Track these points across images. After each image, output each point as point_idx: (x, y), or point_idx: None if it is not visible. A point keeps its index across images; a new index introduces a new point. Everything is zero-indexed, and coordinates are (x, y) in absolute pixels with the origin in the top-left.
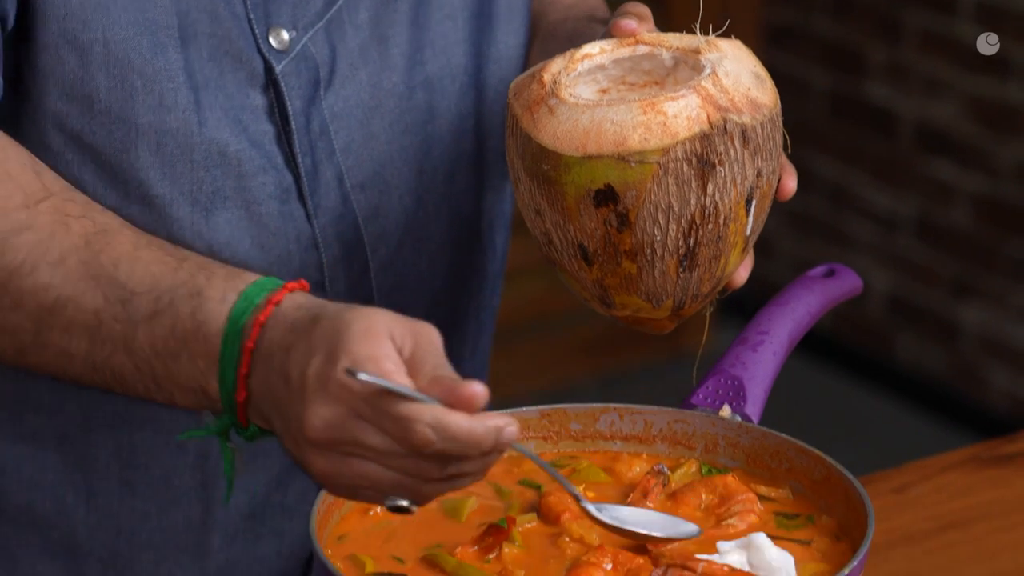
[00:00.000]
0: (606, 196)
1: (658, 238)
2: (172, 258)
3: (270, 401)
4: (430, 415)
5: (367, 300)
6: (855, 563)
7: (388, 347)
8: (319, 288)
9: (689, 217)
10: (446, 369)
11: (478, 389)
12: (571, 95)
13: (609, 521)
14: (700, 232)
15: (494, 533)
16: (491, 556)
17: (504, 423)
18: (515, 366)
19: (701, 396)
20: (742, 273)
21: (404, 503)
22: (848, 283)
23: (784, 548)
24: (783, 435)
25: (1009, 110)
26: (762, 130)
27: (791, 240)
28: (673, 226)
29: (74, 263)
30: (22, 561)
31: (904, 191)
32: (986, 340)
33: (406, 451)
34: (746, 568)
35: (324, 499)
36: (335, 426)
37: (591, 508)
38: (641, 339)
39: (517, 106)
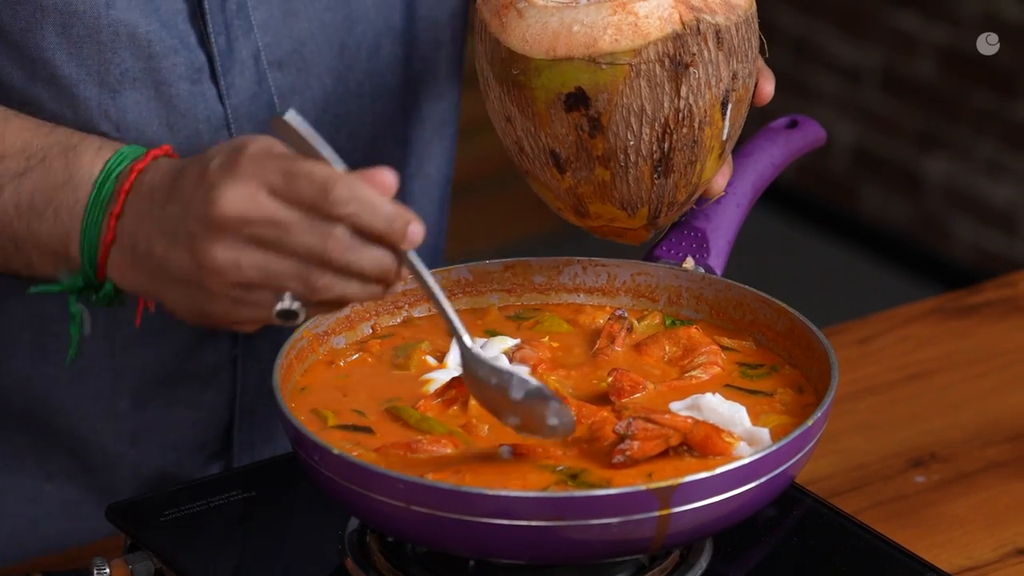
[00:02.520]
0: (577, 100)
1: (631, 143)
2: (44, 126)
3: (151, 227)
4: (348, 178)
5: None
6: (819, 414)
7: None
8: None
9: (663, 121)
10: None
11: (389, 174)
12: None
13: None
14: (674, 136)
15: (457, 386)
16: (454, 409)
17: (415, 218)
18: (478, 221)
19: (664, 248)
20: (720, 181)
21: (294, 307)
22: (811, 134)
23: (741, 402)
24: (747, 287)
25: None
26: (737, 31)
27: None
28: (646, 130)
29: None
30: None
31: (868, 42)
32: (950, 192)
33: (316, 221)
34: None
35: (287, 352)
36: (245, 200)
37: (467, 341)
38: None
39: (486, 11)
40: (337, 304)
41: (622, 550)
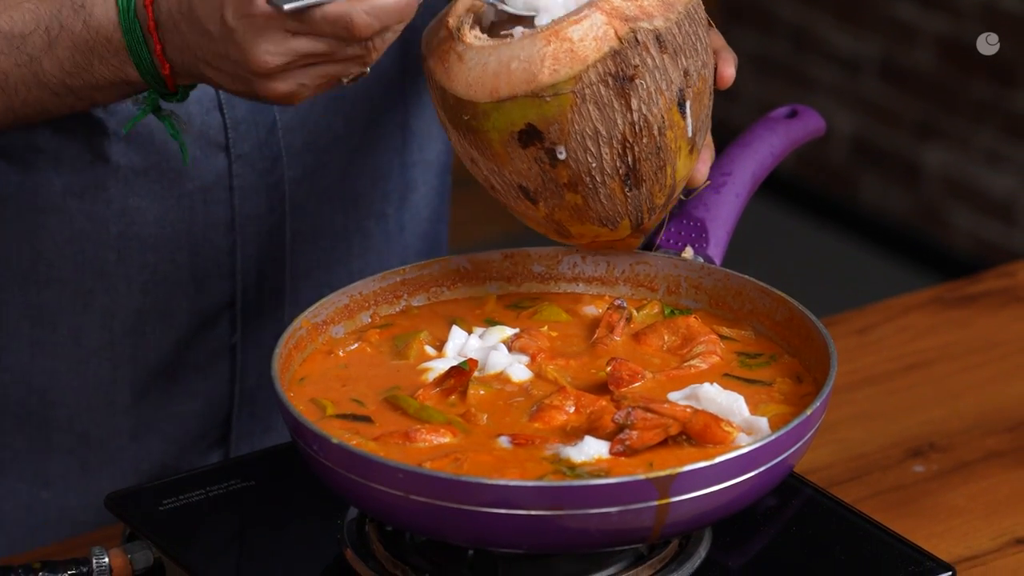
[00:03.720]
0: (530, 135)
1: (594, 165)
2: None
3: (197, 59)
4: (360, 5)
5: (275, 159)
6: (818, 404)
7: None
8: (222, 148)
9: (620, 137)
10: None
11: None
12: (476, 37)
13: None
14: (636, 148)
15: (456, 375)
16: (452, 399)
17: None
18: (478, 210)
19: (664, 238)
20: (701, 169)
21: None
22: (811, 123)
23: (739, 391)
24: (746, 276)
25: None
26: (679, 29)
27: (754, 83)
28: (606, 150)
29: None
30: None
31: (867, 32)
32: (949, 182)
33: (351, 40)
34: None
35: (286, 342)
36: (281, 51)
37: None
38: None
39: (430, 60)
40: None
41: (621, 539)
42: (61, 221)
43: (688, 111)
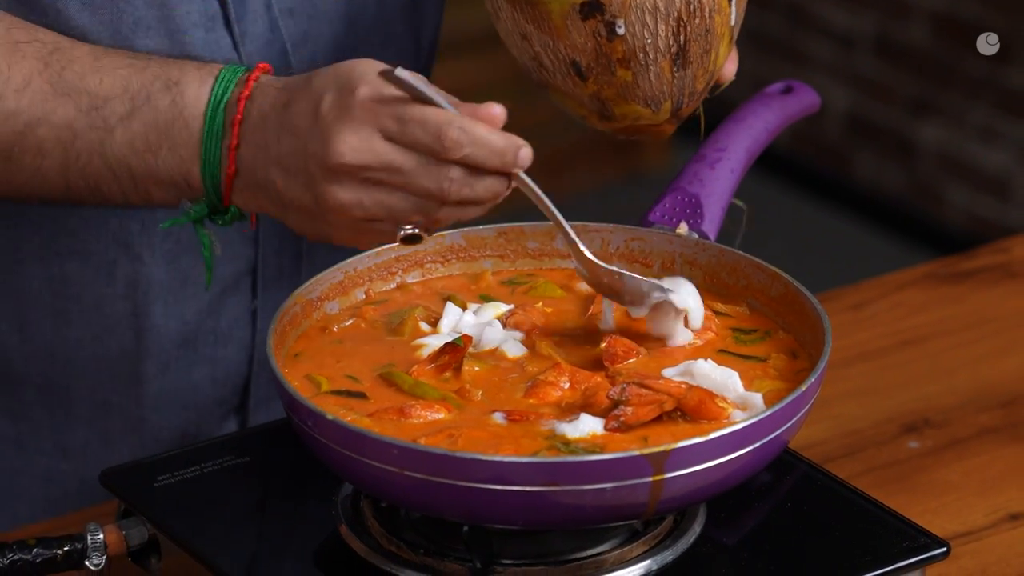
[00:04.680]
0: (592, 7)
1: (649, 41)
2: (137, 60)
3: (269, 160)
4: (459, 120)
5: None
6: (812, 380)
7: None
8: None
9: (676, 15)
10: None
11: (498, 108)
12: None
13: (603, 264)
14: (688, 28)
15: (450, 351)
16: (447, 375)
17: (523, 143)
18: None
19: (658, 214)
20: (730, 67)
21: (416, 231)
22: (806, 99)
23: (734, 367)
24: (740, 252)
25: None
26: None
27: (749, 59)
28: (662, 26)
29: (39, 84)
30: None
31: (862, 8)
32: (944, 158)
33: (431, 164)
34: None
35: (280, 318)
36: (362, 149)
37: (583, 248)
38: (598, 159)
39: None
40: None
41: (616, 515)
42: None
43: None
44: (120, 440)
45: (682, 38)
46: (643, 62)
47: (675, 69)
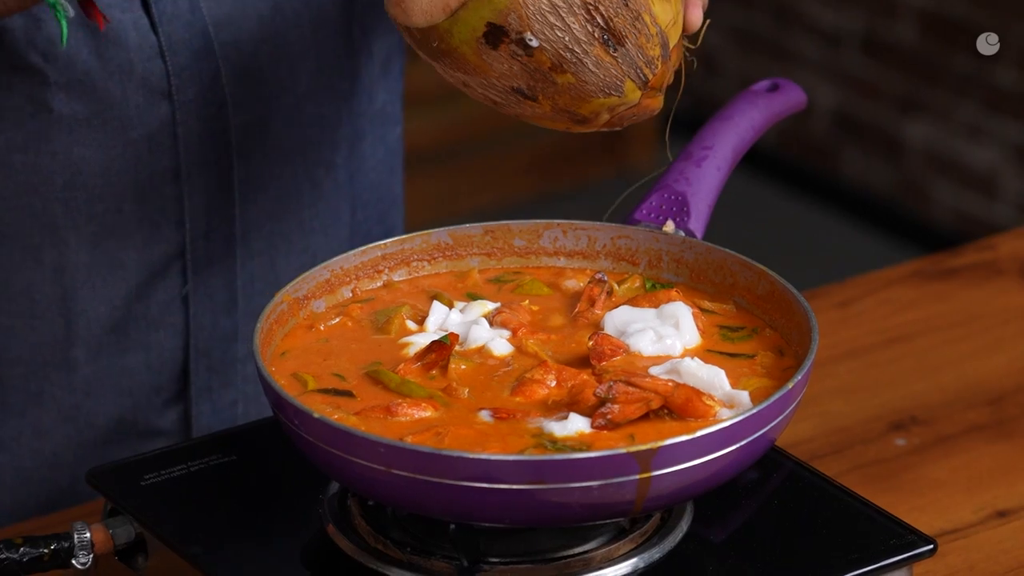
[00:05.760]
0: (495, 34)
1: (566, 38)
2: None
3: None
4: None
5: (220, 106)
6: (799, 377)
7: None
8: (166, 96)
9: (579, 2)
10: None
11: None
12: None
13: None
14: (601, 7)
15: (437, 349)
16: (433, 373)
17: None
18: (459, 184)
19: (645, 212)
20: (693, 11)
21: None
22: (792, 97)
23: (721, 364)
24: (727, 250)
25: None
26: None
27: (736, 57)
28: (571, 19)
29: None
30: None
31: (849, 6)
32: (931, 156)
33: None
34: None
35: (267, 316)
36: None
37: None
38: (585, 156)
39: (390, 9)
40: None
41: (603, 513)
42: (6, 176)
43: None
44: (54, 430)
45: (599, 19)
46: (573, 60)
47: (611, 50)
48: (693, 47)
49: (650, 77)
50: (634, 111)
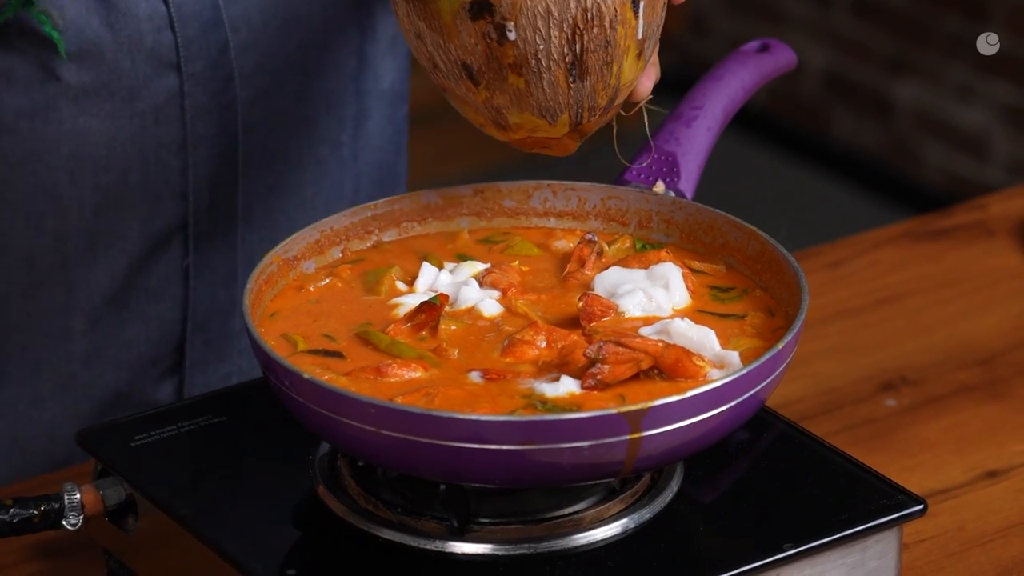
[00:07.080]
0: (481, 7)
1: (541, 47)
2: None
3: None
4: None
5: (227, 80)
6: (789, 338)
7: None
8: (174, 68)
9: (571, 22)
10: None
11: None
12: None
13: None
14: (585, 37)
15: (427, 310)
16: (423, 334)
17: None
18: (448, 146)
19: (635, 172)
20: (645, 83)
21: None
22: (782, 57)
23: (711, 325)
24: (717, 210)
25: None
26: None
27: (726, 17)
28: (555, 33)
29: None
30: None
31: None
32: (921, 116)
33: None
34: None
35: (257, 277)
36: None
37: None
38: None
39: None
40: None
41: (593, 474)
42: (12, 143)
43: (641, 12)
44: (51, 399)
45: (578, 47)
46: (535, 69)
47: (571, 80)
48: (626, 114)
49: (585, 121)
50: (549, 143)
